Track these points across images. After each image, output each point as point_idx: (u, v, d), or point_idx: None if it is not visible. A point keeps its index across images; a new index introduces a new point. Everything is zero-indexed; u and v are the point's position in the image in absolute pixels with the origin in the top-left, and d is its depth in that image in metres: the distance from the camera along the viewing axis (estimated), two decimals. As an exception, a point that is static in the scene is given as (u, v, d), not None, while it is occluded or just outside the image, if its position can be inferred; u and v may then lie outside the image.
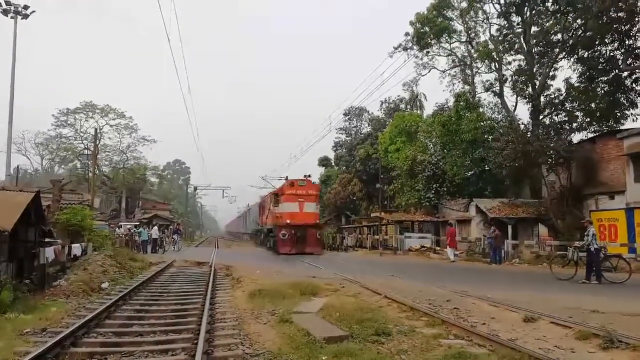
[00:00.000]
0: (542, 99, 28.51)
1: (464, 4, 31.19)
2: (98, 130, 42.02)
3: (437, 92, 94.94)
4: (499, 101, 31.46)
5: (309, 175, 30.93)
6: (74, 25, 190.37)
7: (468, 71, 33.81)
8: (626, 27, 23.66)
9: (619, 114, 26.66)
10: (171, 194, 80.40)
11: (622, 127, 24.69)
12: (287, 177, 31.30)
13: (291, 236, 27.10)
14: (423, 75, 36.49)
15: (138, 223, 34.87)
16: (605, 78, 26.30)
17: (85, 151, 45.61)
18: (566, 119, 27.87)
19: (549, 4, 26.92)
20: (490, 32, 31.78)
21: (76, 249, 16.16)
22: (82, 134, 48.51)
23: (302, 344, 6.60)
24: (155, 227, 32.50)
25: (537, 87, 28.39)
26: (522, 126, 28.16)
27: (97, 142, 36.29)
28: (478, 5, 31.05)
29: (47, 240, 13.51)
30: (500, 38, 30.73)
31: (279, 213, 29.18)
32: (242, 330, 7.63)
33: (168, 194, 77.89)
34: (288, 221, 27.50)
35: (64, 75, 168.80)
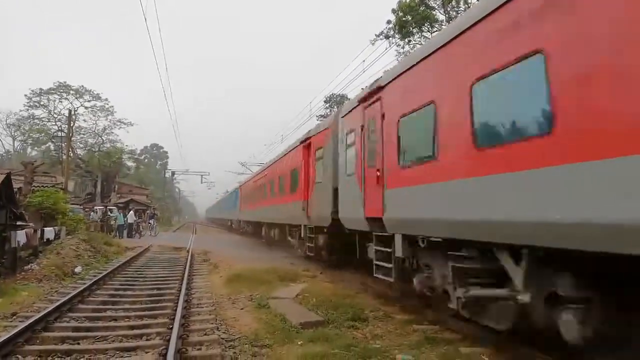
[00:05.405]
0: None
1: (447, -6, 31.21)
2: (72, 112, 40.91)
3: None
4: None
5: None
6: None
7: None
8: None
9: None
10: (148, 179, 79.05)
11: None
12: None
13: None
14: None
15: (114, 207, 34.17)
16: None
17: (59, 133, 44.42)
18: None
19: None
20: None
21: (49, 232, 15.80)
22: (55, 116, 47.25)
23: (279, 329, 6.64)
24: (132, 212, 31.97)
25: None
26: None
27: (72, 124, 35.35)
28: (460, -6, 31.09)
29: (18, 223, 13.17)
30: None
31: None
32: (218, 316, 7.63)
33: (145, 178, 76.59)
34: None
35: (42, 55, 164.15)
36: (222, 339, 6.25)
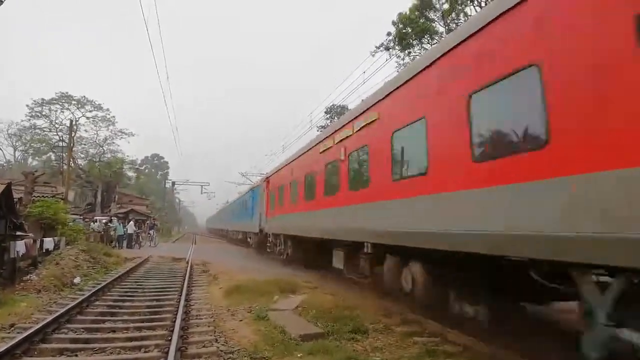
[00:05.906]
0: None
1: (446, 6, 31.55)
2: (74, 122, 41.06)
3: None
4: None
5: None
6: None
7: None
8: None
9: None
10: (149, 189, 79.08)
11: None
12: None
13: None
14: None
15: (114, 217, 34.10)
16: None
17: (60, 143, 44.59)
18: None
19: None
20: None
21: (48, 243, 15.77)
22: (57, 126, 47.41)
23: (278, 342, 6.60)
24: (132, 222, 31.91)
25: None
26: None
27: (73, 134, 35.45)
28: (460, 7, 31.41)
29: (18, 233, 13.15)
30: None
31: None
32: (217, 327, 7.59)
33: (145, 188, 76.61)
34: None
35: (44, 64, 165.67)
36: (221, 351, 6.21)
